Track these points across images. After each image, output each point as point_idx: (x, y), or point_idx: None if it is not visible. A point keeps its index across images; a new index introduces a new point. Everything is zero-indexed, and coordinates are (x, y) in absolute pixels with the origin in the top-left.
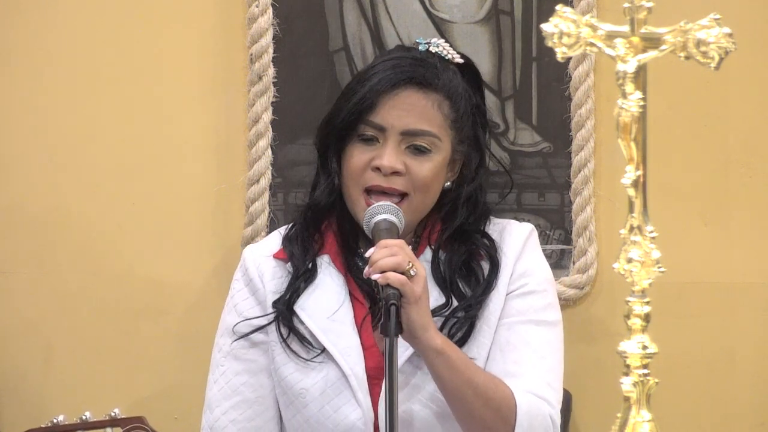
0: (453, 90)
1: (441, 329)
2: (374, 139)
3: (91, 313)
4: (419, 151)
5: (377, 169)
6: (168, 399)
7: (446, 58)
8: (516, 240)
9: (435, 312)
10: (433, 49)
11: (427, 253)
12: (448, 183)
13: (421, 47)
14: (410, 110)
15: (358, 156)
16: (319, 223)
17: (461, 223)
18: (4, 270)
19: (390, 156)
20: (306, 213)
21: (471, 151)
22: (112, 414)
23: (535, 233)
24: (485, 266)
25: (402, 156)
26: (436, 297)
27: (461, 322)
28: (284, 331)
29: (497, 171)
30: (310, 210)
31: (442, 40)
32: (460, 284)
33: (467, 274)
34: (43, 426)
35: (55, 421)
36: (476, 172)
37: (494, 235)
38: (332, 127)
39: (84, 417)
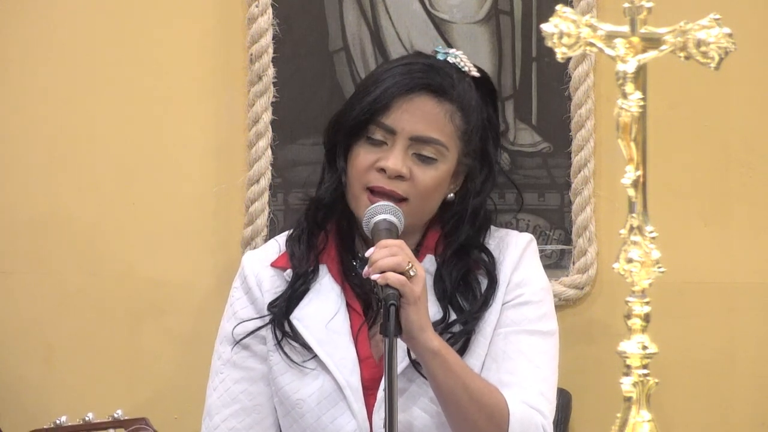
0: (466, 102)
1: None
2: (382, 142)
3: (91, 313)
4: (425, 159)
5: (382, 170)
6: (168, 399)
7: (463, 70)
8: (514, 250)
9: (432, 325)
10: (451, 60)
11: (426, 263)
12: (451, 195)
13: (439, 56)
14: (422, 116)
15: (364, 155)
16: (323, 221)
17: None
18: (4, 270)
19: (396, 159)
20: (309, 209)
21: (477, 165)
22: (115, 415)
23: (534, 243)
24: (483, 281)
25: (408, 161)
26: (434, 312)
27: (457, 336)
28: (279, 334)
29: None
30: (314, 205)
31: (461, 52)
32: (458, 298)
33: (465, 288)
34: (46, 427)
35: (58, 422)
36: (482, 186)
37: (493, 245)
38: (342, 125)
39: (87, 418)
